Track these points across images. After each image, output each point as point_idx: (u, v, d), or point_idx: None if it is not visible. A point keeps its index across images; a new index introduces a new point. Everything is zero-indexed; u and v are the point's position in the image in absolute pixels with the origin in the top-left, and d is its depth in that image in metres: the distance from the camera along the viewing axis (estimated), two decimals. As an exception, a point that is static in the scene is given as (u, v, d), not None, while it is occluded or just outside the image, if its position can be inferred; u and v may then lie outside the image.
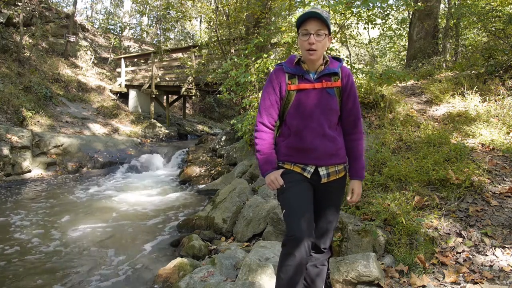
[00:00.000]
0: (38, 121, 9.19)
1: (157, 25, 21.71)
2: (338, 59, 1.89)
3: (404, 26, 11.82)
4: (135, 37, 21.03)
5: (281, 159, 1.89)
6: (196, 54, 11.16)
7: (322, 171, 1.82)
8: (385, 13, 6.96)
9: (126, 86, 13.64)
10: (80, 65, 14.28)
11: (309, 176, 1.82)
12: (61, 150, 8.23)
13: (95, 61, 15.46)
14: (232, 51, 8.63)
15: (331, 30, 1.84)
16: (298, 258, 1.69)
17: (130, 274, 3.34)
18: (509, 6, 7.45)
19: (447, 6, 11.43)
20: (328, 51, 5.51)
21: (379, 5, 5.29)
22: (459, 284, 2.29)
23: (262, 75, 5.76)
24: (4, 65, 10.58)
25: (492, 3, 7.22)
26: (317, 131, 1.78)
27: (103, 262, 3.59)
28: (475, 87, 5.20)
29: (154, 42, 20.68)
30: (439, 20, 10.17)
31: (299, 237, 1.69)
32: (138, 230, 4.53)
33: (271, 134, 1.89)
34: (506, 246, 2.52)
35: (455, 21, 9.08)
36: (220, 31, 9.19)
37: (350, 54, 12.52)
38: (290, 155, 1.85)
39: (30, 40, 12.58)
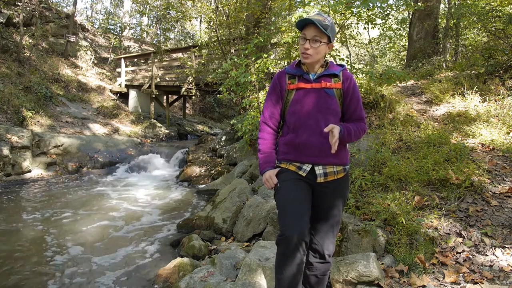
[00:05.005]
0: (38, 121, 9.19)
1: (157, 25, 21.69)
2: (341, 65, 1.93)
3: (404, 26, 11.82)
4: (135, 37, 20.99)
5: (279, 158, 1.91)
6: (196, 54, 11.15)
7: (319, 170, 1.82)
8: (385, 13, 6.96)
9: (126, 86, 13.63)
10: (80, 65, 14.27)
11: (304, 174, 1.82)
12: (61, 150, 8.23)
13: (95, 61, 15.44)
14: (232, 51, 8.62)
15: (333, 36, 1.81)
16: (292, 257, 1.68)
17: (130, 274, 3.35)
18: (509, 6, 7.44)
19: (447, 6, 11.42)
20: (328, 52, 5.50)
21: (379, 5, 5.28)
22: (459, 284, 2.29)
23: (262, 75, 5.75)
24: (4, 65, 10.57)
25: (492, 3, 7.21)
26: (313, 129, 1.79)
27: (103, 262, 3.59)
28: (475, 87, 5.20)
29: (154, 42, 20.66)
30: (439, 20, 10.17)
31: (290, 235, 1.67)
32: (138, 230, 4.54)
33: (273, 134, 1.94)
34: (506, 246, 2.52)
35: (455, 21, 9.08)
36: (220, 31, 9.19)
37: (350, 54, 12.51)
38: (287, 152, 1.87)
39: (30, 40, 12.57)
